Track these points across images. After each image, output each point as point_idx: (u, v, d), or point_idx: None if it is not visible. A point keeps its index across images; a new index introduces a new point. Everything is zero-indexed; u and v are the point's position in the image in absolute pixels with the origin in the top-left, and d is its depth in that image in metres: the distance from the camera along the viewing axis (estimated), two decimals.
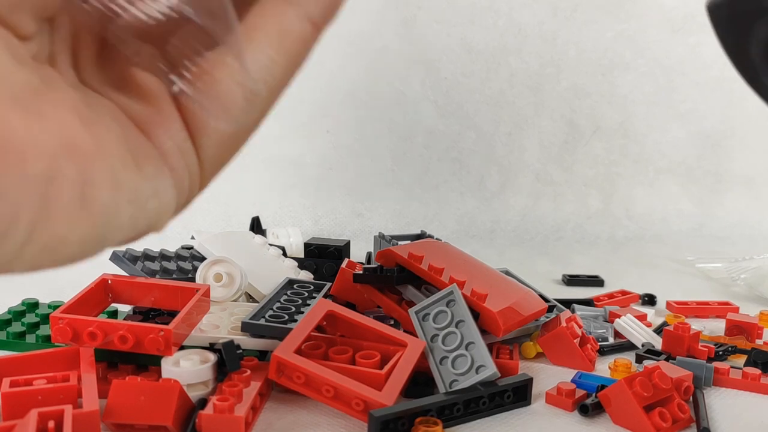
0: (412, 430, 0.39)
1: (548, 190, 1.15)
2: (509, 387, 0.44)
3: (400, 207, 1.10)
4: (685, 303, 0.68)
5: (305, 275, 0.62)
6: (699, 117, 1.18)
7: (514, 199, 1.14)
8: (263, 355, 0.47)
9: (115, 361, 0.44)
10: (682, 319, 0.61)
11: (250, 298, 0.58)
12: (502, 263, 0.71)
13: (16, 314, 0.53)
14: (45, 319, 0.52)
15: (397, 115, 1.12)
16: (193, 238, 0.64)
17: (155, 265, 0.59)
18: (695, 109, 1.18)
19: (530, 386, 0.45)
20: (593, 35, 1.16)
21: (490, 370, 0.42)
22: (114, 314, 0.54)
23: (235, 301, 0.55)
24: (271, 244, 0.64)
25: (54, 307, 0.55)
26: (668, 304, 0.68)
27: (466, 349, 0.44)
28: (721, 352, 0.54)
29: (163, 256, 0.61)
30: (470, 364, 0.43)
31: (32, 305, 0.55)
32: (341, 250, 0.66)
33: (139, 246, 0.61)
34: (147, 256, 0.60)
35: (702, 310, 0.67)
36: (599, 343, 0.55)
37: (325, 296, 0.54)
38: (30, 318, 0.52)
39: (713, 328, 0.63)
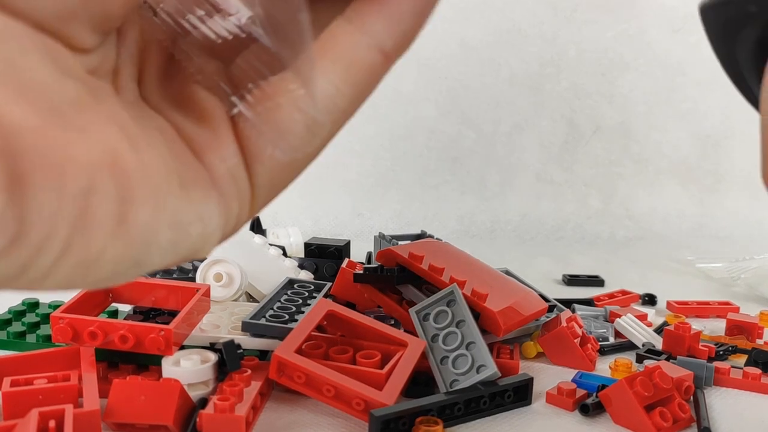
0: (412, 430, 0.39)
1: (548, 190, 1.15)
2: (510, 387, 0.44)
3: (400, 207, 1.10)
4: (686, 303, 0.68)
5: (305, 275, 0.62)
6: (699, 117, 1.18)
7: (514, 199, 1.14)
8: (264, 354, 0.47)
9: (115, 360, 0.44)
10: (682, 319, 0.61)
11: (251, 297, 0.58)
12: (502, 263, 0.71)
13: (17, 314, 0.53)
14: (45, 318, 0.52)
15: (396, 115, 1.12)
16: None
17: None
18: (695, 109, 1.18)
19: (531, 386, 0.45)
20: (593, 35, 1.16)
21: (491, 369, 0.42)
22: (114, 314, 0.54)
23: (235, 300, 0.55)
24: (271, 244, 0.64)
25: (54, 306, 0.55)
26: (669, 304, 0.68)
27: (467, 348, 0.44)
28: (721, 352, 0.54)
29: None
30: (471, 363, 0.43)
31: (33, 305, 0.55)
32: (341, 250, 0.66)
33: None
34: None
35: (702, 310, 0.67)
36: (600, 343, 0.55)
37: (326, 296, 0.54)
38: (30, 317, 0.52)
39: (714, 327, 0.63)
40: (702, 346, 0.53)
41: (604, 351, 0.55)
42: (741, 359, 0.54)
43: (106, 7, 0.15)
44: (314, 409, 0.43)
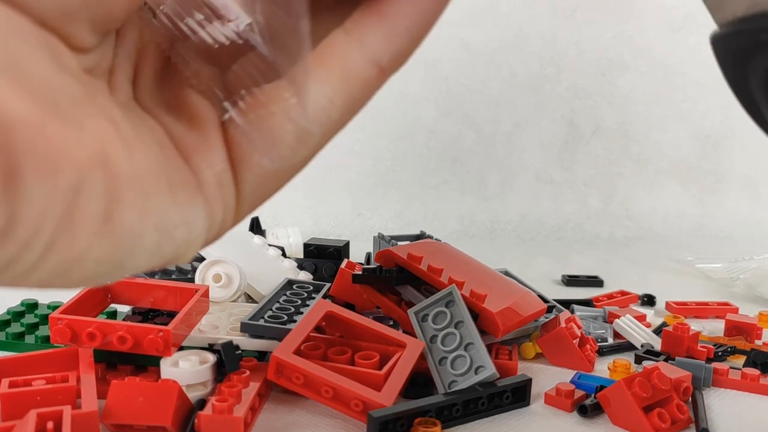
0: (411, 431, 0.39)
1: (548, 190, 1.15)
2: (508, 388, 0.44)
3: (400, 207, 1.10)
4: (685, 303, 0.68)
5: (304, 276, 0.62)
6: (699, 117, 1.18)
7: (514, 199, 1.14)
8: (262, 355, 0.47)
9: (114, 361, 0.44)
10: (681, 320, 0.61)
11: (249, 298, 0.58)
12: (502, 263, 0.71)
13: (16, 315, 0.53)
14: (44, 319, 0.52)
15: (397, 115, 1.12)
16: None
17: None
18: (695, 109, 1.18)
19: (529, 387, 0.45)
20: (593, 35, 1.16)
21: (489, 370, 0.42)
22: (113, 315, 0.54)
23: (234, 301, 0.55)
24: (270, 245, 0.64)
25: (53, 307, 0.55)
26: (668, 305, 0.68)
27: (465, 349, 0.44)
28: (720, 353, 0.54)
29: None
30: (469, 364, 0.43)
31: (31, 306, 0.55)
32: (341, 251, 0.66)
33: None
34: None
35: (701, 310, 0.67)
36: (598, 344, 0.55)
37: (325, 297, 0.54)
38: (29, 318, 0.52)
39: (712, 328, 0.63)
40: (701, 346, 0.53)
41: (602, 352, 0.55)
42: (740, 360, 0.54)
43: (107, 9, 0.15)
44: (313, 410, 0.43)
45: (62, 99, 0.14)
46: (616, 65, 1.17)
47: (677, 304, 0.68)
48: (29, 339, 0.50)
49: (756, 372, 0.49)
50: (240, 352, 0.45)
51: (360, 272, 0.53)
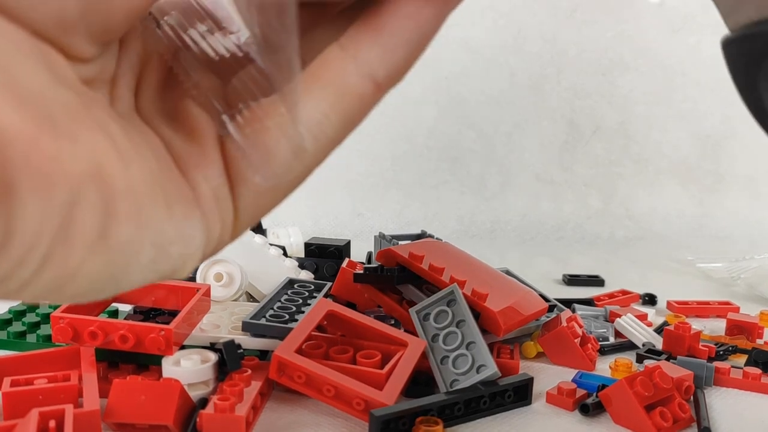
0: (412, 430, 0.39)
1: (548, 190, 1.15)
2: (510, 386, 0.44)
3: (400, 207, 1.10)
4: (686, 303, 0.68)
5: (306, 275, 0.62)
6: (699, 117, 1.18)
7: (514, 199, 1.14)
8: (264, 354, 0.47)
9: (115, 360, 0.44)
10: (682, 319, 0.61)
11: (251, 297, 0.58)
12: (502, 263, 0.71)
13: (17, 314, 0.53)
14: (45, 318, 0.52)
15: (397, 115, 1.12)
16: None
17: None
18: (695, 109, 1.18)
19: (531, 386, 0.45)
20: (593, 35, 1.16)
21: (491, 369, 0.42)
22: (114, 314, 0.54)
23: (235, 300, 0.55)
24: (271, 244, 0.64)
25: (54, 306, 0.55)
26: (669, 304, 0.68)
27: (467, 348, 0.44)
28: (721, 352, 0.54)
29: None
30: (471, 363, 0.43)
31: (33, 305, 0.55)
32: (341, 250, 0.66)
33: None
34: None
35: (702, 309, 0.67)
36: (600, 343, 0.55)
37: (326, 296, 0.54)
38: (31, 317, 0.52)
39: (714, 327, 0.63)
40: (702, 346, 0.53)
41: (604, 351, 0.55)
42: (741, 359, 0.54)
43: (106, 20, 0.15)
44: (314, 409, 0.43)
45: (57, 111, 0.14)
46: (616, 65, 1.17)
47: (678, 303, 0.68)
48: (31, 338, 0.50)
49: (757, 371, 0.49)
50: (242, 351, 0.45)
51: (361, 271, 0.53)
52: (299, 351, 0.42)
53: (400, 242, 0.68)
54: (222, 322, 0.49)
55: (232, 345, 0.43)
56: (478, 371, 0.43)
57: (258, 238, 0.64)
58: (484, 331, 0.47)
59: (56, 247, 0.13)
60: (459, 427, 0.42)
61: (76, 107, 0.14)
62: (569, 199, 1.15)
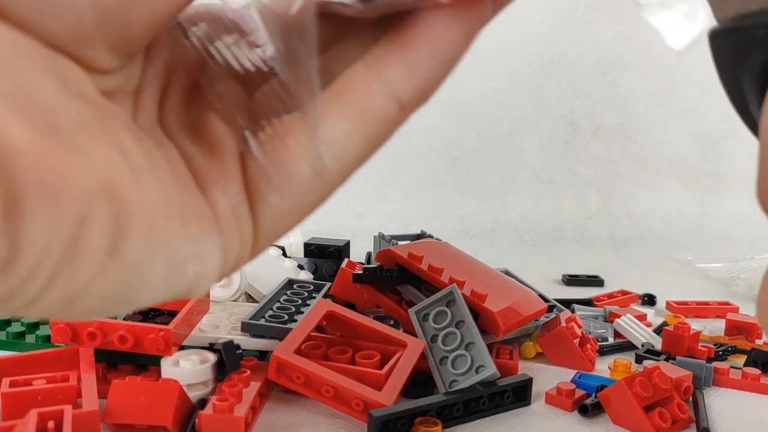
0: (411, 431, 0.39)
1: (548, 190, 1.15)
2: (509, 387, 0.44)
3: (400, 207, 1.10)
4: (685, 303, 0.68)
5: (305, 275, 0.62)
6: (699, 117, 1.18)
7: (514, 199, 1.14)
8: (263, 355, 0.47)
9: (114, 361, 0.44)
10: (681, 319, 0.61)
11: (250, 298, 0.58)
12: (502, 263, 0.71)
13: None
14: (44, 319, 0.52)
15: None
16: None
17: None
18: (695, 109, 1.18)
19: (530, 386, 0.45)
20: (593, 35, 1.16)
21: (490, 370, 0.42)
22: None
23: (234, 301, 0.55)
24: (270, 244, 0.64)
25: None
26: (668, 304, 0.68)
27: (466, 349, 0.44)
28: (720, 352, 0.54)
29: None
30: (470, 364, 0.43)
31: None
32: (341, 250, 0.66)
33: None
34: None
35: (702, 310, 0.67)
36: (599, 343, 0.55)
37: (325, 296, 0.54)
38: (29, 318, 0.52)
39: (713, 328, 0.63)
40: (701, 346, 0.53)
41: (603, 351, 0.55)
42: (740, 359, 0.54)
43: (125, 32, 0.14)
44: (313, 410, 0.43)
45: (68, 126, 0.13)
46: (616, 65, 1.17)
47: (678, 303, 0.68)
48: (30, 338, 0.50)
49: (756, 371, 0.49)
50: (241, 351, 0.45)
51: (361, 272, 0.53)
52: (298, 351, 0.42)
53: (400, 242, 0.68)
54: (221, 322, 0.49)
55: (231, 345, 0.43)
56: (477, 372, 0.43)
57: None
58: (483, 332, 0.47)
59: (64, 264, 0.13)
60: (458, 427, 0.42)
61: (89, 121, 0.14)
62: (569, 199, 1.15)
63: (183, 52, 0.17)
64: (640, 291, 0.72)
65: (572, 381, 0.47)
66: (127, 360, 0.44)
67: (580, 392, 0.45)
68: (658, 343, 0.56)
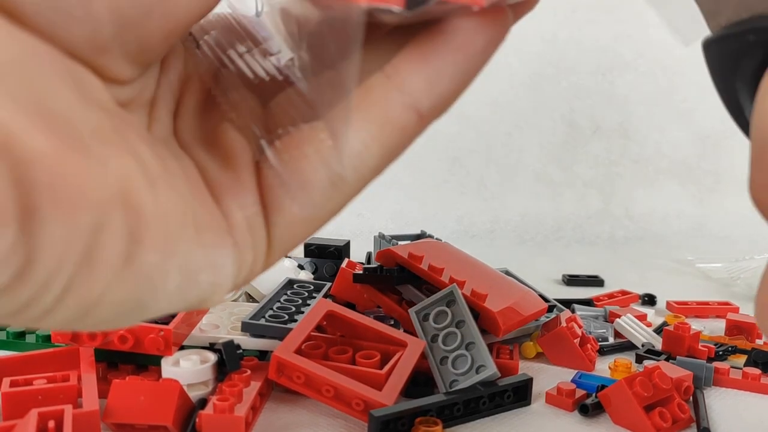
0: (412, 430, 0.39)
1: (548, 190, 1.15)
2: (509, 387, 0.44)
3: (400, 207, 1.10)
4: (685, 303, 0.68)
5: (305, 275, 0.62)
6: (699, 117, 1.18)
7: (514, 199, 1.14)
8: (263, 355, 0.47)
9: (115, 361, 0.44)
10: (682, 319, 0.61)
11: (250, 298, 0.58)
12: (502, 263, 0.71)
13: None
14: None
15: None
16: None
17: None
18: (695, 109, 1.18)
19: (530, 386, 0.45)
20: (593, 35, 1.16)
21: (491, 370, 0.42)
22: None
23: (234, 300, 0.55)
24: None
25: None
26: (668, 304, 0.68)
27: (466, 349, 0.44)
28: (721, 352, 0.54)
29: None
30: (470, 364, 0.43)
31: None
32: (341, 250, 0.66)
33: None
34: None
35: (702, 310, 0.67)
36: (599, 343, 0.55)
37: (325, 296, 0.54)
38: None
39: (713, 328, 0.63)
40: (701, 346, 0.53)
41: (603, 351, 0.55)
42: (740, 359, 0.54)
43: (142, 42, 0.14)
44: (313, 410, 0.43)
45: (85, 134, 0.13)
46: (617, 65, 1.17)
47: (678, 303, 0.68)
48: (30, 338, 0.50)
49: (757, 371, 0.49)
50: (241, 351, 0.45)
51: (361, 272, 0.53)
52: (298, 351, 0.42)
53: (400, 242, 0.68)
54: (221, 322, 0.49)
55: (231, 345, 0.43)
56: (477, 372, 0.43)
57: None
58: (484, 332, 0.47)
59: (80, 273, 0.13)
60: (458, 427, 0.42)
61: (106, 130, 0.14)
62: (569, 199, 1.15)
63: (197, 62, 0.17)
64: (640, 291, 0.72)
65: (572, 381, 0.47)
66: (127, 360, 0.44)
67: (580, 392, 0.45)
68: (658, 343, 0.56)
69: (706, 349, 0.53)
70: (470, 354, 0.44)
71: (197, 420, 0.38)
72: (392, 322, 0.53)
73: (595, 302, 0.68)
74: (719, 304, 0.68)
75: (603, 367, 0.52)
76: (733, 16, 0.20)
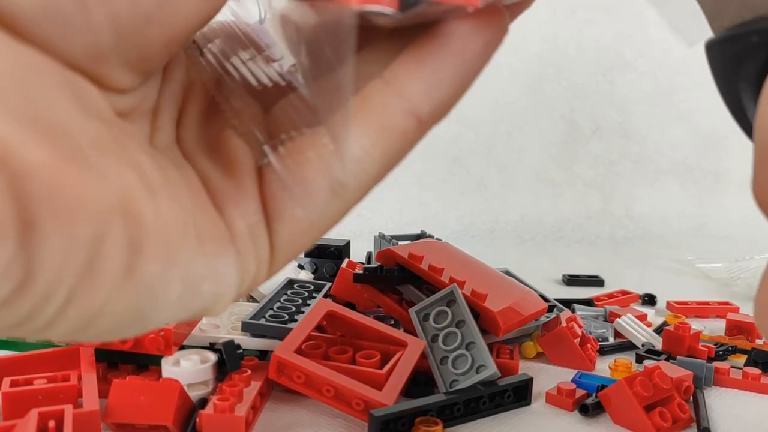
0: (412, 430, 0.39)
1: (548, 190, 1.15)
2: (509, 387, 0.44)
3: (400, 207, 1.10)
4: (686, 303, 0.68)
5: (305, 275, 0.62)
6: (699, 117, 1.18)
7: (514, 199, 1.14)
8: (263, 354, 0.47)
9: (115, 360, 0.44)
10: (682, 319, 0.61)
11: (250, 297, 0.58)
12: (502, 263, 0.71)
13: None
14: None
15: None
16: None
17: None
18: (695, 109, 1.18)
19: (530, 386, 0.45)
20: (593, 35, 1.16)
21: (491, 369, 0.42)
22: None
23: (235, 300, 0.55)
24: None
25: None
26: (668, 304, 0.68)
27: (467, 348, 0.44)
28: (721, 352, 0.54)
29: None
30: (470, 363, 0.43)
31: None
32: (341, 250, 0.66)
33: None
34: None
35: (702, 310, 0.67)
36: (599, 343, 0.55)
37: (325, 296, 0.54)
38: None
39: (713, 327, 0.63)
40: (702, 346, 0.53)
41: (603, 351, 0.55)
42: (741, 359, 0.54)
43: (143, 50, 0.14)
44: (314, 410, 0.43)
45: (84, 145, 0.13)
46: (616, 65, 1.17)
47: (678, 303, 0.68)
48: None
49: (757, 371, 0.49)
50: (241, 351, 0.45)
51: (361, 271, 0.53)
52: (299, 351, 0.42)
53: (400, 242, 0.68)
54: (221, 322, 0.49)
55: (231, 345, 0.43)
56: (477, 371, 0.43)
57: None
58: (484, 332, 0.47)
59: (81, 285, 0.13)
60: (458, 427, 0.42)
61: (105, 141, 0.14)
62: (569, 198, 1.15)
63: (199, 70, 0.17)
64: (640, 291, 0.72)
65: (573, 381, 0.47)
66: (127, 360, 0.44)
67: (580, 392, 0.45)
68: (658, 342, 0.56)
69: (706, 349, 0.53)
70: (470, 354, 0.44)
71: (197, 420, 0.38)
72: (392, 322, 0.53)
73: (595, 302, 0.68)
74: (719, 304, 0.68)
75: (603, 367, 0.52)
76: (736, 18, 0.20)
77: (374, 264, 0.54)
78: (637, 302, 0.71)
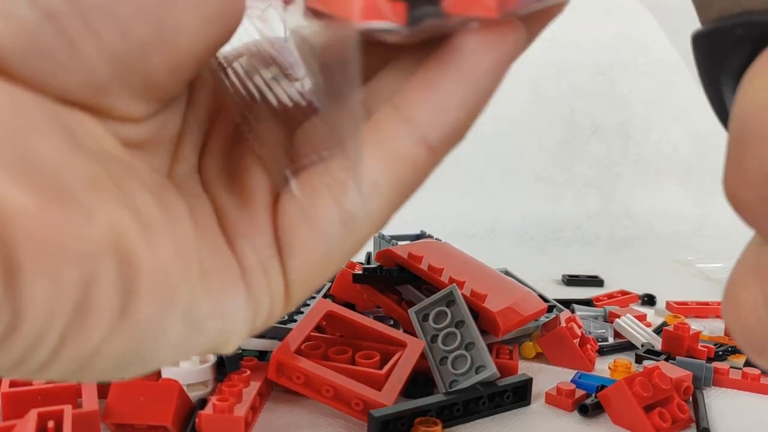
0: (411, 431, 0.39)
1: (548, 190, 1.15)
2: (509, 387, 0.44)
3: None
4: (685, 303, 0.68)
5: None
6: (699, 117, 1.18)
7: (514, 199, 1.14)
8: (263, 355, 0.47)
9: None
10: (681, 319, 0.61)
11: None
12: (502, 263, 0.71)
13: None
14: None
15: None
16: None
17: None
18: (695, 109, 1.18)
19: (530, 386, 0.45)
20: (593, 35, 1.16)
21: (490, 370, 0.42)
22: None
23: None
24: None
25: None
26: (668, 304, 0.68)
27: (466, 349, 0.44)
28: (720, 352, 0.54)
29: None
30: (470, 364, 0.43)
31: None
32: None
33: None
34: None
35: (702, 310, 0.67)
36: (599, 344, 0.55)
37: (325, 296, 0.54)
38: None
39: (713, 328, 0.63)
40: (701, 346, 0.53)
41: (603, 351, 0.55)
42: (740, 359, 0.54)
43: (147, 78, 0.14)
44: (313, 410, 0.43)
45: (71, 185, 0.13)
46: (616, 65, 1.17)
47: (678, 303, 0.68)
48: None
49: (756, 371, 0.49)
50: (240, 351, 0.45)
51: (360, 272, 0.53)
52: (298, 351, 0.42)
53: (400, 242, 0.68)
54: None
55: None
56: (477, 372, 0.43)
57: None
58: (483, 332, 0.47)
59: (73, 327, 0.13)
60: (458, 427, 0.42)
61: (97, 178, 0.13)
62: (569, 199, 1.15)
63: (226, 94, 0.17)
64: (640, 291, 0.72)
65: (572, 381, 0.47)
66: None
67: (580, 392, 0.45)
68: (658, 343, 0.56)
69: (706, 349, 0.53)
70: (470, 354, 0.44)
71: (197, 420, 0.38)
72: (392, 322, 0.53)
73: (594, 302, 0.68)
74: (719, 304, 0.68)
75: (603, 367, 0.52)
76: (724, 11, 0.20)
77: (374, 264, 0.54)
78: (637, 302, 0.71)
